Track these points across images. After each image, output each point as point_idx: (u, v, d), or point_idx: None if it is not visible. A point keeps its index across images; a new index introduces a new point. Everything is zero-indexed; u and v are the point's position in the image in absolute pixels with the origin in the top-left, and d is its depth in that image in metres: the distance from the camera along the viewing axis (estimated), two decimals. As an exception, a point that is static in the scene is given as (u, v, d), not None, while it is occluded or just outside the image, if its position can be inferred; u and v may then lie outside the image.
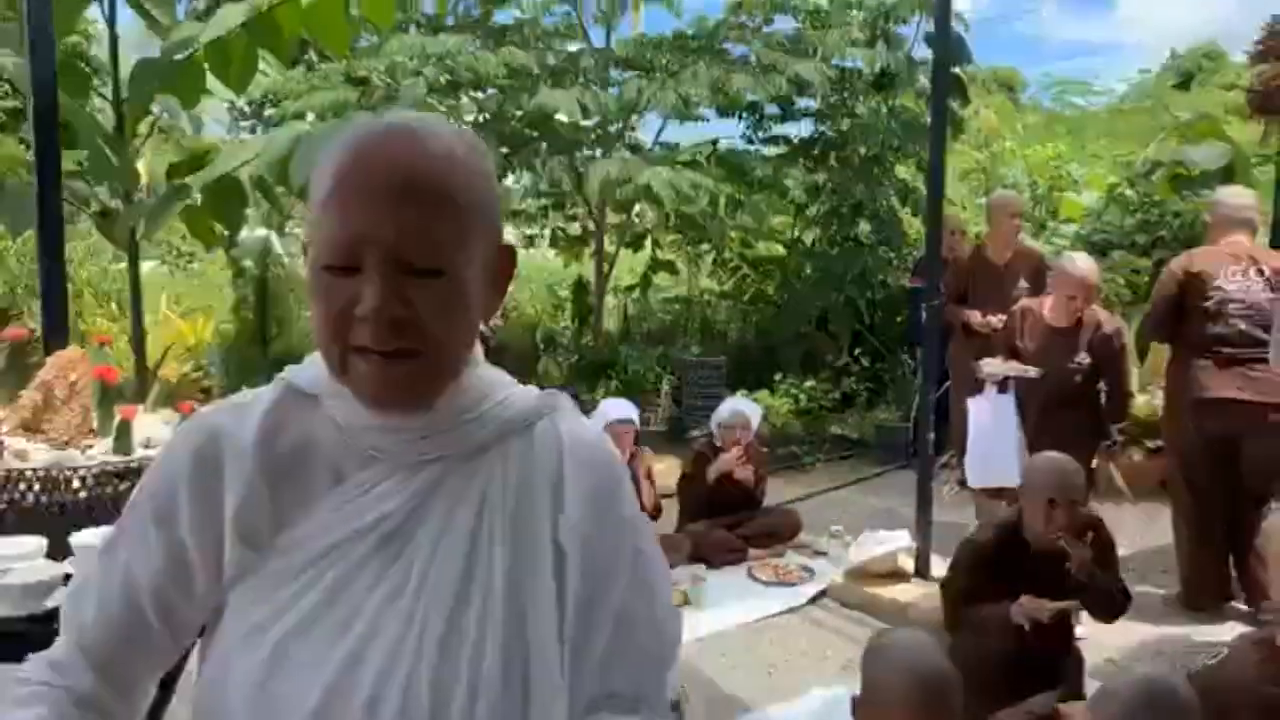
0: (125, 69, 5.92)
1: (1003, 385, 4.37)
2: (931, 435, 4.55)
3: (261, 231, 7.52)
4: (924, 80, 8.08)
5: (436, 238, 0.87)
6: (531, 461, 0.96)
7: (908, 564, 4.55)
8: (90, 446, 2.35)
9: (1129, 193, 9.80)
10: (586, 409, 7.64)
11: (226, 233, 5.92)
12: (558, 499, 0.96)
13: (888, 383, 8.04)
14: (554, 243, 9.77)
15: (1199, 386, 4.08)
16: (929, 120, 8.01)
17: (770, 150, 8.69)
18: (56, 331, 2.43)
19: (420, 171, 0.86)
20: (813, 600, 4.57)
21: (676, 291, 10.41)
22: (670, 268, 9.38)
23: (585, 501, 0.95)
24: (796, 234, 9.10)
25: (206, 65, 5.61)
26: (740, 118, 8.47)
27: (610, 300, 9.59)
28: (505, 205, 9.53)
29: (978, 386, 4.58)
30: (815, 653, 4.08)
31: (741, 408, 5.36)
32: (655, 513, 4.89)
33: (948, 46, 4.51)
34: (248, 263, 7.99)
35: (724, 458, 5.11)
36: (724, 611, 4.41)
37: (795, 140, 8.70)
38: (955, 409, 5.25)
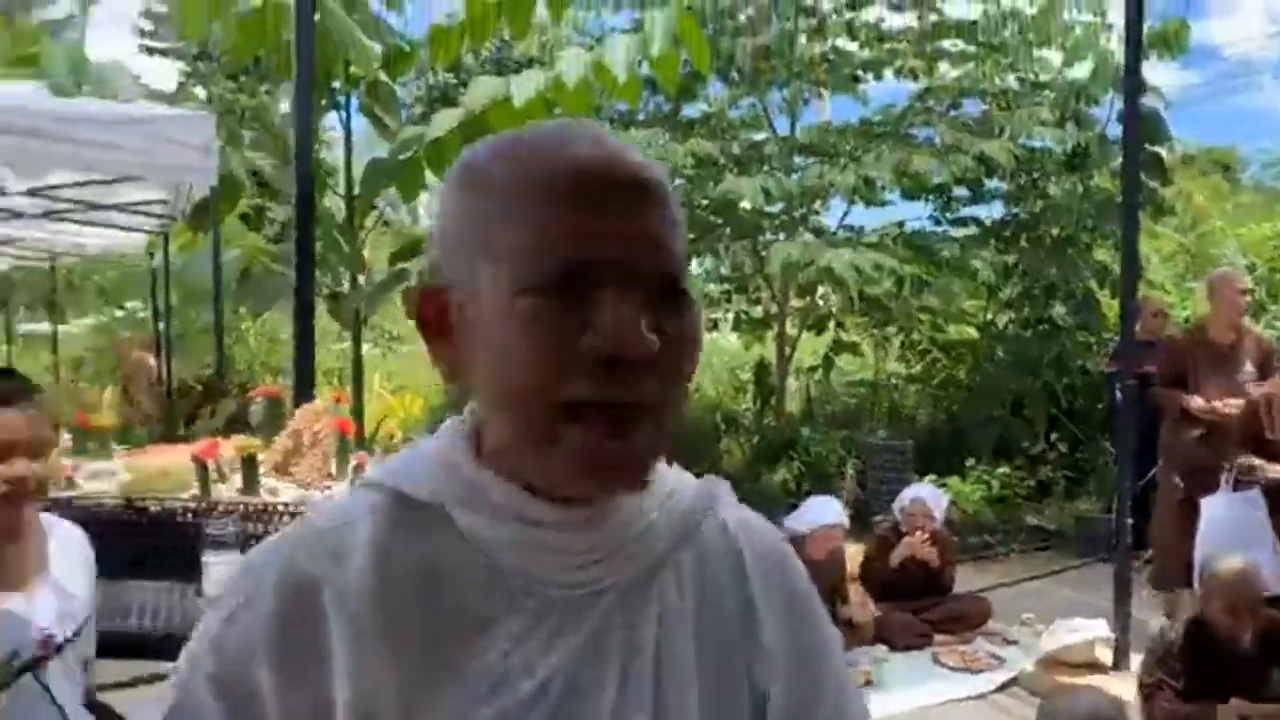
0: (355, 169, 6.69)
1: (1242, 482, 4.10)
2: (1130, 522, 4.34)
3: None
4: (1120, 160, 7.86)
5: (677, 249, 0.69)
6: (710, 578, 0.77)
7: (1104, 655, 4.32)
8: (329, 488, 2.68)
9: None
10: (769, 490, 7.71)
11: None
12: (748, 626, 0.78)
13: (1088, 471, 7.66)
14: (736, 326, 9.98)
15: None
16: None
17: (959, 232, 8.61)
18: (304, 388, 2.81)
19: (644, 168, 0.68)
20: (1001, 688, 4.40)
21: (861, 374, 10.35)
22: (854, 350, 9.36)
23: (784, 629, 0.79)
24: (989, 317, 8.91)
25: (426, 163, 6.27)
26: (927, 200, 8.48)
27: (792, 382, 9.64)
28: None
29: (1204, 479, 4.37)
30: (1002, 742, 3.93)
31: (924, 494, 5.28)
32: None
33: (1137, 125, 4.44)
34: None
35: (907, 541, 5.04)
36: (906, 694, 4.33)
37: (985, 221, 8.59)
38: (1164, 499, 4.96)
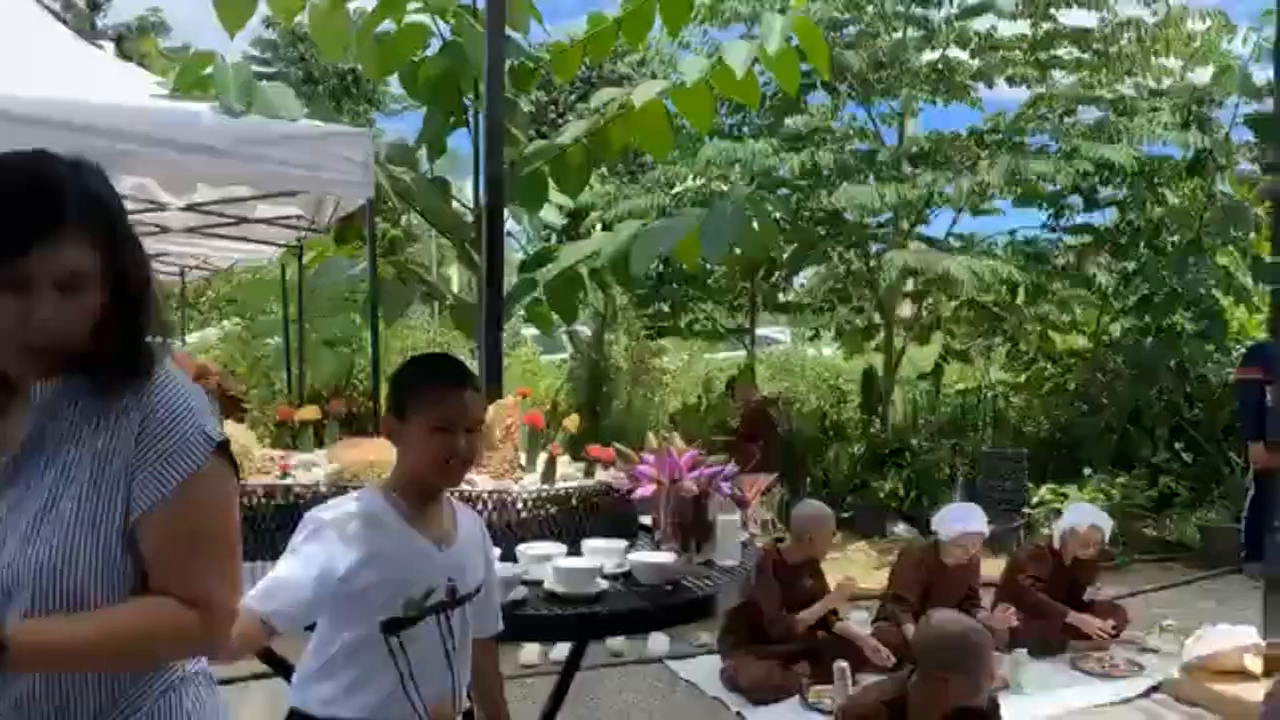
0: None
1: None
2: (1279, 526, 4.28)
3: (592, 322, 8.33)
4: (1244, 163, 7.70)
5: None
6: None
7: (1254, 664, 4.25)
8: (521, 479, 2.84)
9: None
10: (877, 498, 7.72)
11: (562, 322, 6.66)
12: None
13: (1211, 481, 7.49)
14: (838, 335, 10.01)
15: None
16: (1250, 204, 7.65)
17: (1073, 239, 8.53)
18: (493, 386, 2.97)
19: None
20: (1146, 693, 4.37)
21: (963, 384, 10.27)
22: (964, 357, 9.31)
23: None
24: (1103, 324, 8.79)
25: (550, 175, 6.46)
26: (1040, 207, 8.41)
27: (896, 391, 9.63)
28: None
29: None
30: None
31: (1098, 519, 5.12)
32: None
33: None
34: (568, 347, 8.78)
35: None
36: (1047, 698, 4.33)
37: (1099, 229, 8.49)
38: None
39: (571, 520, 2.71)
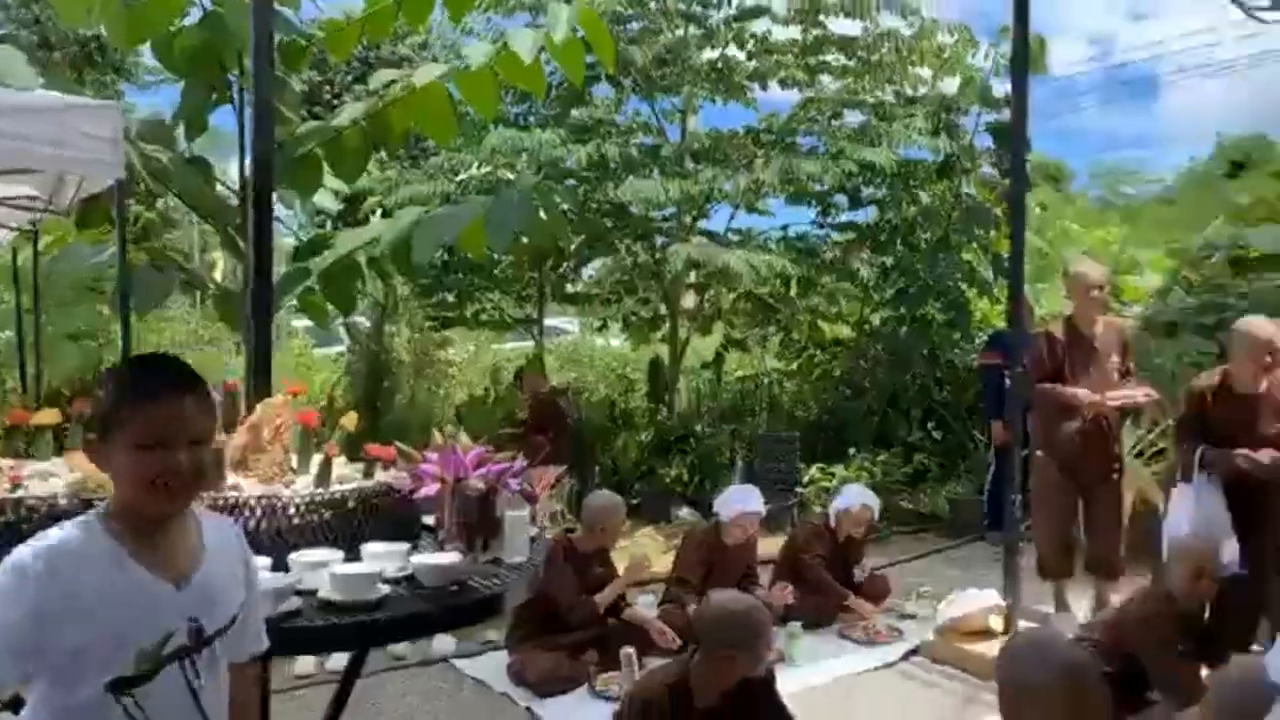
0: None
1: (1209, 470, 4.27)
2: (1017, 497, 4.74)
3: (371, 313, 8.02)
4: (986, 168, 8.46)
5: None
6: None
7: (997, 623, 4.69)
8: (292, 482, 2.68)
9: (1191, 275, 10.01)
10: (664, 483, 7.93)
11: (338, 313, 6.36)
12: None
13: (958, 458, 8.20)
14: (625, 326, 10.18)
15: None
16: (990, 205, 8.43)
17: (839, 236, 9.07)
18: (261, 383, 2.78)
19: None
20: (905, 657, 4.73)
21: (745, 371, 10.72)
22: (743, 347, 9.71)
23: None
24: (865, 315, 9.41)
25: (325, 159, 6.15)
26: (809, 205, 8.88)
27: (681, 380, 9.91)
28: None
29: (1084, 470, 4.74)
30: (910, 707, 4.23)
31: (867, 499, 5.46)
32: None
33: (1024, 140, 4.80)
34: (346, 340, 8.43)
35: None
36: (818, 667, 4.60)
37: (863, 226, 9.07)
38: (1044, 491, 5.11)
39: (349, 524, 2.59)
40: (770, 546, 6.03)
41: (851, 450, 8.21)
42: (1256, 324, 4.26)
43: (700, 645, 2.96)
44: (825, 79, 8.62)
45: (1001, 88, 7.79)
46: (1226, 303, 8.92)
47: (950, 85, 8.34)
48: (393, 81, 5.80)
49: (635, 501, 7.72)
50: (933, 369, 8.57)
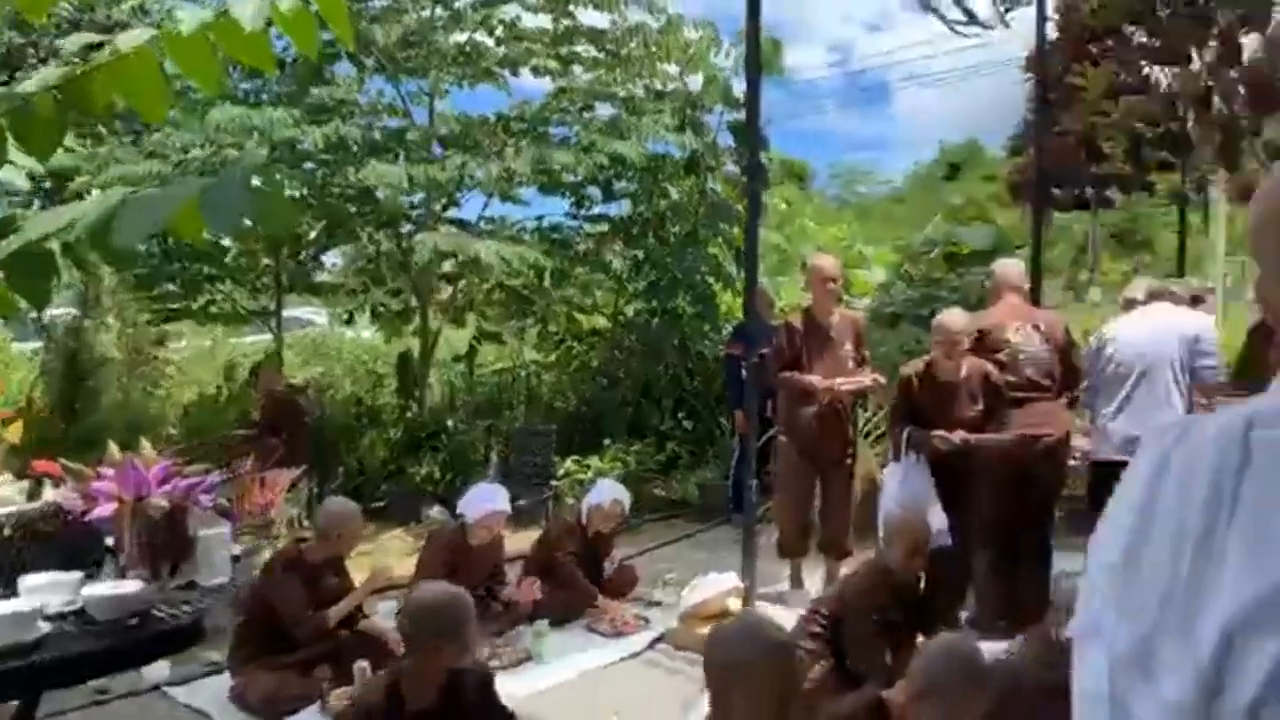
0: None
1: (915, 450, 4.60)
2: (755, 482, 4.91)
3: (70, 305, 7.17)
4: (730, 165, 8.77)
5: None
6: None
7: (736, 606, 4.84)
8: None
9: (912, 269, 10.90)
10: (414, 483, 7.66)
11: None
12: None
13: (708, 444, 8.48)
14: (375, 317, 9.76)
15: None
16: (733, 201, 8.76)
17: (592, 228, 9.11)
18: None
19: None
20: (650, 646, 4.78)
21: (502, 364, 10.58)
22: (497, 339, 9.57)
23: None
24: (620, 306, 9.53)
25: (10, 130, 5.42)
26: (563, 196, 8.86)
27: (433, 374, 9.64)
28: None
29: (822, 453, 4.97)
30: (655, 695, 4.28)
31: (619, 494, 5.44)
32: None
33: (758, 137, 5.00)
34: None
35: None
36: (565, 664, 4.56)
37: (615, 219, 9.16)
38: (786, 475, 5.37)
39: (6, 554, 2.24)
40: (524, 541, 5.94)
41: (607, 441, 8.29)
42: (950, 317, 4.64)
43: (407, 641, 2.93)
44: (577, 70, 8.61)
45: (742, 87, 8.08)
46: (940, 295, 9.78)
47: (696, 82, 8.57)
48: (94, 45, 5.18)
49: (382, 503, 7.40)
50: (684, 359, 8.81)
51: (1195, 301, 5.69)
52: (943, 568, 4.63)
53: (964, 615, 4.83)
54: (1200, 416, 0.90)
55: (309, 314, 16.16)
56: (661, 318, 8.70)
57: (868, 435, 7.07)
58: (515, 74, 8.50)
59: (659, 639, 4.86)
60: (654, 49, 8.24)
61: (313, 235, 8.66)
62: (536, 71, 8.45)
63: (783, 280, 10.16)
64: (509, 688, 4.27)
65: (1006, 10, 5.73)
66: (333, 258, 9.48)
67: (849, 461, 5.39)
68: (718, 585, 4.83)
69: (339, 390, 10.01)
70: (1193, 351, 4.37)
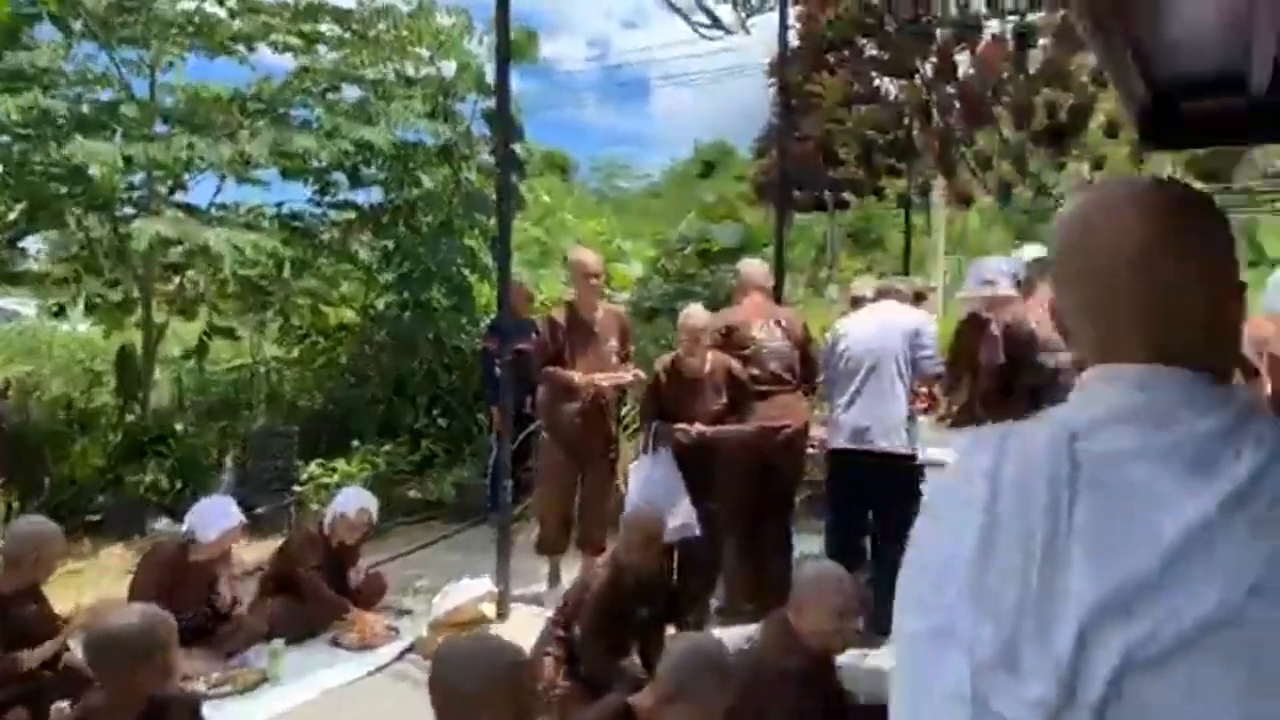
0: None
1: (660, 443, 4.66)
2: (510, 482, 4.80)
3: None
4: (485, 155, 8.58)
5: None
6: None
7: (490, 610, 4.72)
8: None
9: (668, 265, 11.17)
10: (136, 493, 6.93)
11: None
12: None
13: (465, 442, 8.27)
14: (90, 310, 8.77)
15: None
16: (489, 192, 8.56)
17: (338, 216, 8.64)
18: None
19: None
20: (399, 657, 4.57)
21: (240, 360, 9.83)
22: (230, 334, 8.86)
23: None
24: (370, 299, 9.10)
25: None
26: (306, 182, 8.33)
27: (161, 373, 8.80)
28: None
29: (583, 448, 4.92)
30: (403, 709, 4.08)
31: (365, 502, 5.12)
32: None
33: (510, 126, 4.88)
34: None
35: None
36: (306, 683, 4.26)
37: (364, 207, 8.73)
38: (547, 471, 5.29)
39: None
40: (263, 552, 5.54)
41: (356, 442, 7.89)
42: (692, 314, 4.76)
43: (95, 672, 2.70)
44: (322, 49, 8.11)
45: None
46: (694, 290, 10.10)
47: (450, 69, 8.31)
48: None
49: (97, 517, 6.67)
50: (439, 354, 8.55)
51: (919, 298, 6.13)
52: (692, 557, 4.75)
53: (714, 604, 4.97)
54: (1017, 426, 0.96)
55: (16, 305, 14.50)
56: (414, 311, 8.39)
57: (626, 428, 7.15)
58: (251, 49, 7.89)
59: (409, 649, 4.66)
60: (405, 32, 7.91)
61: (11, 217, 7.64)
62: (276, 48, 7.88)
63: (544, 273, 10.08)
64: (243, 712, 3.95)
65: (747, 17, 5.94)
66: (35, 243, 8.41)
67: (611, 457, 5.41)
68: (470, 591, 4.69)
69: (46, 391, 8.94)
70: (913, 345, 4.70)
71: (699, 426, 4.65)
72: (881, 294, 5.10)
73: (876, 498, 4.63)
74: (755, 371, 4.87)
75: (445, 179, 8.50)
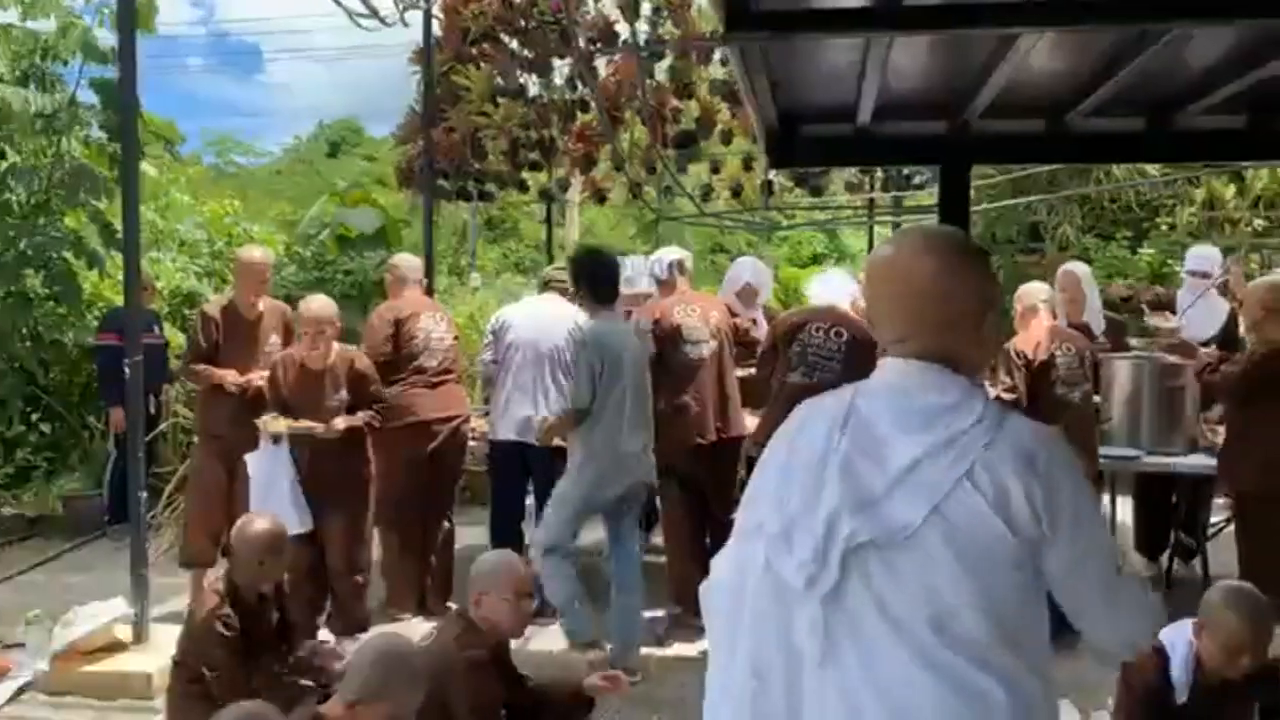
0: None
1: (277, 438, 4.46)
2: (144, 493, 4.38)
3: None
4: (95, 126, 7.62)
5: None
6: None
7: (125, 633, 4.29)
8: None
9: (303, 251, 10.63)
10: None
11: None
12: None
13: (72, 449, 7.35)
14: None
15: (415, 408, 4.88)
16: (98, 168, 7.60)
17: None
18: None
19: None
20: (15, 696, 4.02)
21: None
22: None
23: None
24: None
25: None
26: None
27: None
28: None
29: (241, 447, 4.60)
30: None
31: None
32: None
33: (135, 97, 4.42)
34: None
35: None
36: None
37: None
38: (200, 479, 5.00)
39: None
40: None
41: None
42: (312, 304, 4.63)
43: None
44: None
45: (109, 39, 7.06)
46: (335, 278, 9.75)
47: (46, 28, 7.27)
48: None
49: None
50: (37, 351, 7.48)
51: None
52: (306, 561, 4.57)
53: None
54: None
55: None
56: (6, 301, 7.26)
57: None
58: None
59: (25, 688, 4.10)
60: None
61: None
62: None
63: (156, 258, 9.08)
64: None
65: (405, 10, 5.86)
66: None
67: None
68: (101, 615, 4.22)
69: None
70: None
71: (307, 423, 4.48)
72: (545, 285, 5.34)
73: (538, 483, 4.91)
74: (430, 364, 4.97)
75: (40, 151, 7.42)
